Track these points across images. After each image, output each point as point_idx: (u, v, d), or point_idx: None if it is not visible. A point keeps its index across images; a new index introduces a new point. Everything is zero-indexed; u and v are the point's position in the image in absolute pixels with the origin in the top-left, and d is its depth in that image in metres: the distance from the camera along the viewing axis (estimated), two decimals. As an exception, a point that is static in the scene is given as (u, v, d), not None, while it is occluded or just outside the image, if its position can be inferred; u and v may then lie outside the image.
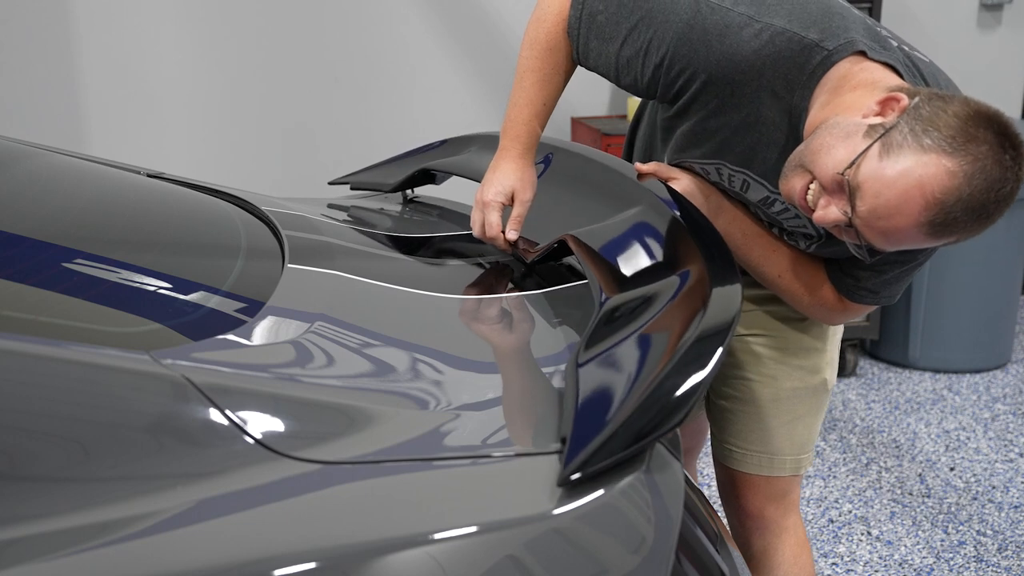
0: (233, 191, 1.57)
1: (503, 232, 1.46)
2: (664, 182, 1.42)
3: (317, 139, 3.66)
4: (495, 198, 1.47)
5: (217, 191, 1.57)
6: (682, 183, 1.44)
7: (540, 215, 1.48)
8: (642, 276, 1.16)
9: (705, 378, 0.90)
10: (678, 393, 0.89)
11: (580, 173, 1.56)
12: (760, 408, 1.61)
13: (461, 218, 1.71)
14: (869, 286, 1.45)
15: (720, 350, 0.93)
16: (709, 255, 1.12)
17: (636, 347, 1.00)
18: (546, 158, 1.61)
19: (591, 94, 3.72)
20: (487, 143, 1.75)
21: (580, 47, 1.45)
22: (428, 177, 1.85)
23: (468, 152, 1.80)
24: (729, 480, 1.68)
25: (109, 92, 3.47)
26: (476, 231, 1.49)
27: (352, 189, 1.97)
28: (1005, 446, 3.02)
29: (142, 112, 3.52)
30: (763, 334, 1.60)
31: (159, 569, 0.74)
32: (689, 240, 1.18)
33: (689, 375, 0.90)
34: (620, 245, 1.25)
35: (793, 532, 1.67)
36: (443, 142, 1.91)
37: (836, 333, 1.65)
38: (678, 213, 1.26)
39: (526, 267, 1.44)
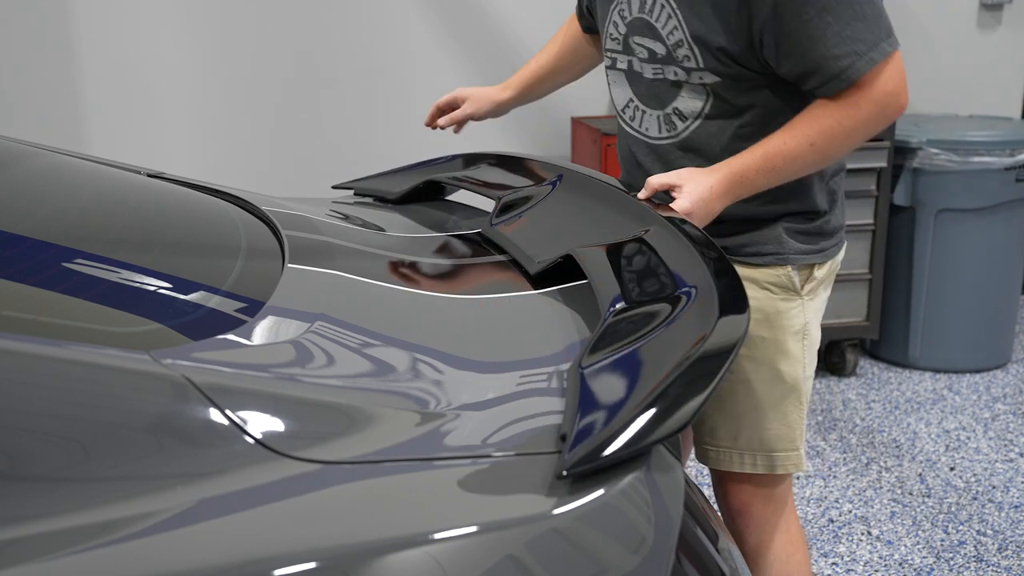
0: (233, 191, 1.57)
1: (438, 117, 1.96)
2: (666, 202, 1.43)
3: (317, 139, 3.66)
4: (451, 92, 1.95)
5: (217, 191, 1.56)
6: (683, 201, 1.44)
7: (548, 231, 1.49)
8: (648, 291, 1.17)
9: (710, 387, 0.91)
10: (680, 399, 0.89)
11: (588, 193, 1.57)
12: (721, 402, 1.62)
13: (461, 218, 1.71)
14: (840, 52, 1.39)
15: (727, 361, 0.94)
16: (716, 275, 1.13)
17: (640, 355, 1.00)
18: (558, 177, 1.63)
19: (591, 94, 3.72)
20: (498, 160, 1.78)
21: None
22: (434, 189, 1.86)
23: (478, 167, 1.81)
24: (716, 478, 1.71)
25: (109, 92, 3.47)
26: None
27: (356, 195, 1.97)
28: (1005, 446, 3.02)
29: (142, 112, 3.52)
30: None
31: (159, 569, 0.74)
32: (696, 260, 1.19)
33: (694, 383, 0.91)
34: (627, 262, 1.27)
35: (785, 530, 1.67)
36: (453, 156, 1.93)
37: (791, 323, 1.60)
38: (684, 233, 1.27)
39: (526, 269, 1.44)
